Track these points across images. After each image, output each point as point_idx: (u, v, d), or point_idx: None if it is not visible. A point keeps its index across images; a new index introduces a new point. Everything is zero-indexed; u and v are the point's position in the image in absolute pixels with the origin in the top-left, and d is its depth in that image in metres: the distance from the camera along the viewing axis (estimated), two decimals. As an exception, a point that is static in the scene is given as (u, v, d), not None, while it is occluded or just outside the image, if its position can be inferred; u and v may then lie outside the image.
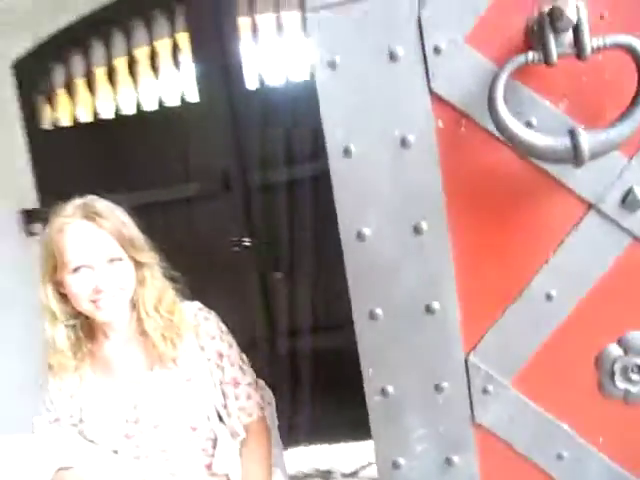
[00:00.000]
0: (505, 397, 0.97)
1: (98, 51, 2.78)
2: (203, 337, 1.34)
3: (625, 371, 0.95)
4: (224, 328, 1.40)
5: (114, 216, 1.26)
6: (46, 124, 2.93)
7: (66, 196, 1.30)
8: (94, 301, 1.25)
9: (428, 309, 0.96)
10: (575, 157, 0.82)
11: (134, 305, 1.32)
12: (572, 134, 0.82)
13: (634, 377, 0.94)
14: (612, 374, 0.95)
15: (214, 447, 1.34)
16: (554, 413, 0.98)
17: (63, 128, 2.93)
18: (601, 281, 0.93)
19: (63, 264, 1.24)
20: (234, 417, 1.34)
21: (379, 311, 0.97)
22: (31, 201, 2.80)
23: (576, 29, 0.81)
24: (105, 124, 2.87)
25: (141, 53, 2.76)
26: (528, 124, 0.90)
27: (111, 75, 2.77)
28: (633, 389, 0.95)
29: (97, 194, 1.31)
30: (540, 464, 0.99)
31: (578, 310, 0.94)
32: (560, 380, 0.97)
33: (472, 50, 0.90)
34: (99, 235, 1.24)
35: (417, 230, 0.94)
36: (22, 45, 2.70)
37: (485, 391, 0.97)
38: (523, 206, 0.93)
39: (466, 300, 0.96)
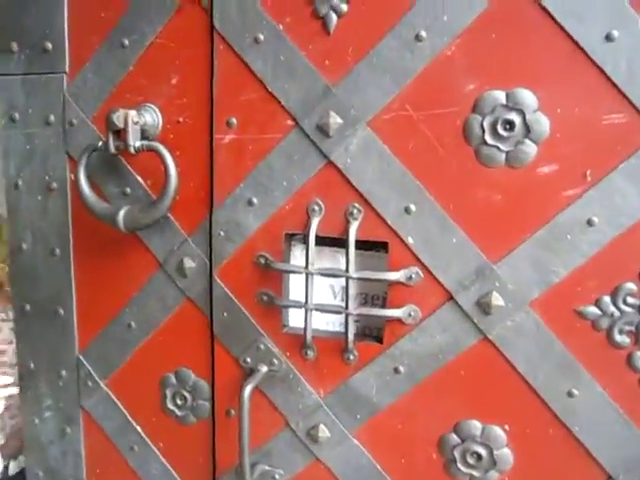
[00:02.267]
0: (99, 392, 1.27)
1: None
2: None
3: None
4: None
5: None
6: None
7: None
8: None
9: (56, 312, 1.27)
10: (114, 224, 1.08)
11: None
12: (112, 211, 1.08)
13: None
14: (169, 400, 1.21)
15: None
16: (131, 414, 1.26)
17: None
18: (167, 321, 1.19)
19: None
20: None
21: (28, 307, 1.29)
22: None
23: (126, 133, 1.06)
24: None
25: None
26: (124, 192, 1.17)
27: None
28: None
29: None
30: (119, 449, 1.28)
31: (150, 339, 1.21)
32: (134, 391, 1.25)
33: (94, 128, 1.17)
34: None
35: (52, 252, 1.25)
36: None
37: (86, 384, 1.28)
38: (119, 251, 1.20)
39: (82, 312, 1.26)
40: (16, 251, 1.28)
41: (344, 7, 0.98)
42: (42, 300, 1.28)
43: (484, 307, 0.98)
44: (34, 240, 1.26)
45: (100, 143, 1.09)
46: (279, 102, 1.04)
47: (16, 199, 1.26)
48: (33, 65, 1.20)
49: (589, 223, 0.92)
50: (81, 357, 1.27)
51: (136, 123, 1.06)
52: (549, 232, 0.94)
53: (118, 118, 1.05)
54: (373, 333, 1.10)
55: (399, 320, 1.03)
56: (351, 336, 1.03)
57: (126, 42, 1.12)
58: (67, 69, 1.17)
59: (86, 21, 1.15)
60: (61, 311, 1.26)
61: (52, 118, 1.20)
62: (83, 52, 1.16)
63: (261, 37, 1.02)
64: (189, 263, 1.14)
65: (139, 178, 1.16)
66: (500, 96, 0.93)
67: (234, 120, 1.06)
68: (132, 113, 1.05)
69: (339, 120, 1.00)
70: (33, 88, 1.20)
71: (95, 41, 1.15)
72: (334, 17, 0.98)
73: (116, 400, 1.26)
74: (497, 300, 0.97)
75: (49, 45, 1.17)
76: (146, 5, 1.09)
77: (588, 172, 0.92)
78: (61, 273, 1.25)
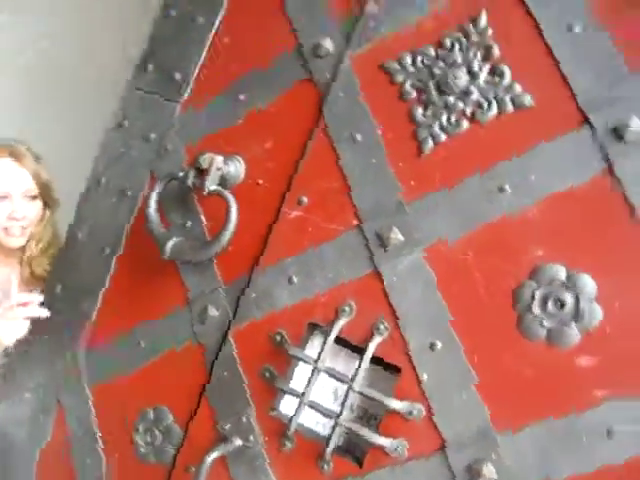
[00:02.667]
0: (81, 394, 1.28)
1: None
2: None
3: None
4: None
5: (35, 160, 1.69)
6: None
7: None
8: (6, 228, 1.43)
9: (79, 305, 1.31)
10: (161, 248, 1.13)
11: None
12: (166, 236, 1.14)
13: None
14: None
15: None
16: (99, 428, 1.25)
17: None
18: (168, 353, 1.20)
19: None
20: None
21: (59, 288, 1.34)
22: None
23: (204, 174, 1.11)
24: None
25: None
26: (184, 225, 1.22)
27: None
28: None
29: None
30: (73, 456, 1.27)
31: (149, 365, 1.22)
32: (112, 408, 1.25)
33: (184, 159, 1.24)
34: (20, 172, 1.46)
35: (102, 250, 1.30)
36: None
37: (70, 382, 1.29)
38: (157, 273, 1.23)
39: (102, 314, 1.29)
40: (70, 237, 1.35)
41: (442, 136, 1.01)
42: (73, 287, 1.33)
43: (474, 474, 0.92)
44: (90, 233, 1.33)
45: (181, 174, 1.15)
46: (351, 199, 1.06)
47: (92, 193, 1.34)
48: (159, 87, 1.30)
49: (609, 434, 0.87)
50: (80, 355, 1.29)
51: (219, 169, 1.12)
52: (566, 426, 0.89)
53: (204, 159, 1.11)
54: (356, 453, 1.06)
55: (384, 450, 0.98)
56: (332, 446, 1.00)
57: (241, 97, 1.20)
58: (183, 101, 1.26)
59: (216, 67, 1.25)
60: (84, 305, 1.30)
61: (152, 137, 1.29)
62: (203, 91, 1.25)
63: (359, 137, 1.07)
64: (212, 311, 1.15)
65: (202, 217, 1.20)
66: (561, 272, 0.92)
67: (305, 199, 1.10)
68: (218, 159, 1.11)
69: (400, 237, 1.01)
70: (150, 106, 1.30)
71: (216, 86, 1.24)
72: (430, 143, 1.02)
73: (92, 409, 1.26)
74: (490, 472, 0.91)
75: (178, 76, 1.27)
76: (271, 73, 1.17)
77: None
78: (100, 271, 1.30)
